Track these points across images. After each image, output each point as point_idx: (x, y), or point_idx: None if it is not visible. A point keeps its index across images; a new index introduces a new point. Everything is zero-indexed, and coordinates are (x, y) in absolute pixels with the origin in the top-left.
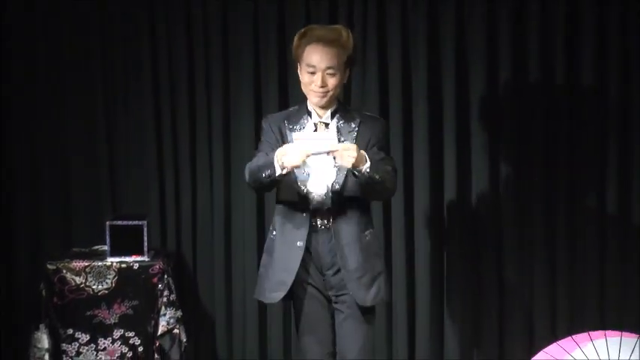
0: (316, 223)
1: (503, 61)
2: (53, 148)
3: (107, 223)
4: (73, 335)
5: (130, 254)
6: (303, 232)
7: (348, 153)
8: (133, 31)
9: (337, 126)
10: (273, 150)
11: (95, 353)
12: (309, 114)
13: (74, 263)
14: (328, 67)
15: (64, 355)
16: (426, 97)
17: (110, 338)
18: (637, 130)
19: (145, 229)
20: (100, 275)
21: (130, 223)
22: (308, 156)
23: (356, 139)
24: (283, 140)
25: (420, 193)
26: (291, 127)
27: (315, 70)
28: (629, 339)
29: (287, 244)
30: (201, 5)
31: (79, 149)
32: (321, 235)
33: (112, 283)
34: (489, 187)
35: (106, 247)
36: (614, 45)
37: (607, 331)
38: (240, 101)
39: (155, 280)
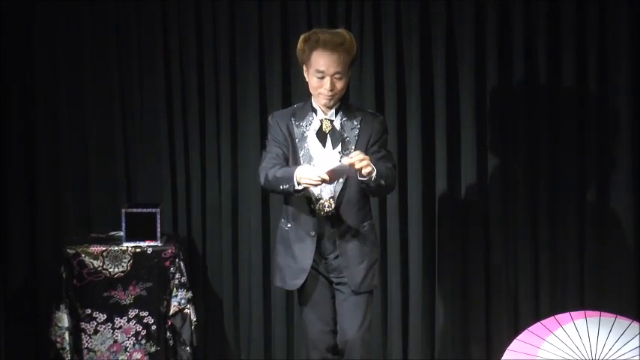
0: (320, 211)
1: (491, 61)
2: (74, 141)
3: (123, 210)
4: (91, 315)
5: (144, 239)
6: (314, 222)
7: (365, 163)
8: (148, 29)
9: (341, 122)
10: (280, 147)
11: (112, 331)
12: (315, 111)
13: (92, 248)
14: (336, 72)
15: (82, 333)
16: (418, 94)
17: (125, 317)
18: (613, 122)
19: (158, 216)
20: (116, 259)
21: (144, 210)
22: (324, 180)
23: (358, 136)
24: (291, 136)
25: (413, 185)
26: (297, 123)
27: (324, 75)
28: (607, 318)
29: (302, 235)
30: (210, 5)
31: (98, 142)
32: (324, 223)
33: (127, 266)
34: (477, 179)
35: (121, 233)
36: (592, 47)
37: (587, 311)
38: (246, 96)
39: (167, 263)
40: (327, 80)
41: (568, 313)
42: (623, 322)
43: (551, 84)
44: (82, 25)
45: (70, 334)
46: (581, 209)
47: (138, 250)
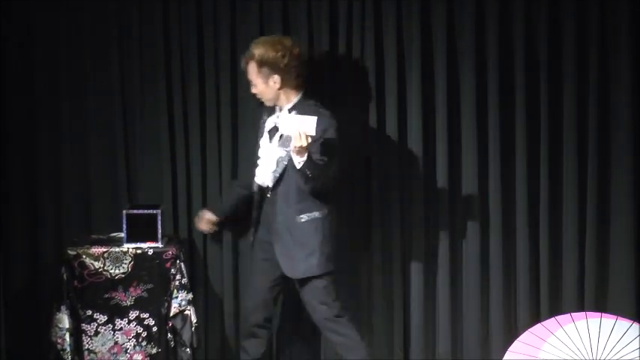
0: (265, 198)
1: (492, 60)
2: (75, 142)
3: (124, 212)
4: (91, 316)
5: (145, 241)
6: (257, 211)
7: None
8: (149, 30)
9: None
10: None
11: (112, 333)
12: (279, 109)
13: (93, 249)
14: (250, 80)
15: (83, 335)
16: (419, 93)
17: (126, 319)
18: (614, 121)
19: (159, 218)
20: (117, 260)
21: (145, 212)
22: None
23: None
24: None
25: (413, 184)
26: (263, 119)
27: None
28: (608, 319)
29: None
30: (211, 6)
31: (99, 143)
32: (268, 210)
33: (128, 267)
34: (477, 179)
35: (122, 234)
36: (593, 46)
37: (587, 312)
38: (246, 97)
39: (168, 265)
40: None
41: (569, 314)
42: (624, 323)
43: (552, 83)
44: (83, 28)
45: (70, 336)
46: (582, 209)
47: (139, 251)
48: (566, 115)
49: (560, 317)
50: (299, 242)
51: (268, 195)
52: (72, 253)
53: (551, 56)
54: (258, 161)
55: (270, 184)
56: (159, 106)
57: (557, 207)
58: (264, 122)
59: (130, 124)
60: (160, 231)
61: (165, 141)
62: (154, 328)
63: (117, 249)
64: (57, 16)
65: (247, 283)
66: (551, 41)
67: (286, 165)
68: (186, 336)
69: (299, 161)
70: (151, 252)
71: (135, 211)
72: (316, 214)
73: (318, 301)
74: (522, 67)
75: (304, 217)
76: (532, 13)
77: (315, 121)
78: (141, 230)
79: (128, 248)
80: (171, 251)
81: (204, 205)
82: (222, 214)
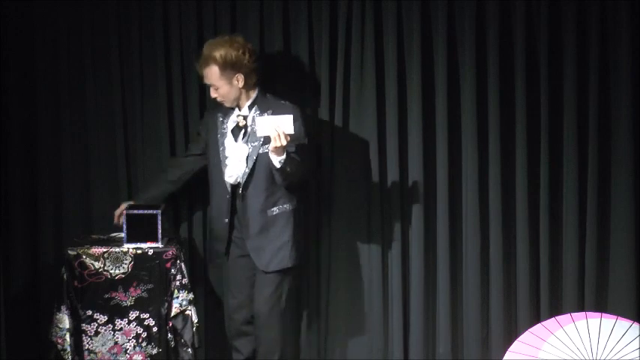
0: (237, 193)
1: (491, 59)
2: (75, 142)
3: (124, 212)
4: (92, 316)
5: (145, 241)
6: (231, 215)
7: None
8: (149, 30)
9: (253, 116)
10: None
11: (112, 333)
12: (238, 108)
13: (93, 249)
14: (210, 84)
15: (83, 335)
16: (420, 92)
17: (126, 319)
18: (614, 121)
19: (159, 218)
20: (117, 260)
21: (146, 212)
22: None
23: None
24: (215, 131)
25: (413, 183)
26: (221, 119)
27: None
28: (608, 319)
29: (216, 220)
30: (211, 6)
31: (99, 144)
32: (239, 206)
33: (128, 267)
34: (477, 179)
35: (122, 235)
36: (594, 45)
37: (587, 312)
38: None
39: (168, 265)
40: (211, 89)
41: (569, 314)
42: (624, 323)
43: (552, 83)
44: (83, 27)
45: (70, 336)
46: (582, 209)
47: (139, 251)
48: (566, 115)
49: (560, 317)
50: (271, 235)
51: (239, 192)
52: (72, 253)
53: (552, 56)
54: (226, 161)
55: (242, 181)
56: (159, 106)
57: (557, 207)
58: (224, 122)
59: (130, 124)
60: (160, 231)
61: (166, 140)
62: (154, 329)
63: (117, 249)
64: (57, 15)
65: (228, 282)
66: (551, 41)
67: (255, 160)
68: (187, 336)
69: (279, 160)
70: (151, 252)
71: (135, 211)
72: (287, 206)
73: (273, 293)
74: (522, 67)
75: (275, 210)
76: (532, 13)
77: (292, 119)
78: (141, 230)
79: (128, 248)
80: (171, 251)
81: (205, 205)
82: None
